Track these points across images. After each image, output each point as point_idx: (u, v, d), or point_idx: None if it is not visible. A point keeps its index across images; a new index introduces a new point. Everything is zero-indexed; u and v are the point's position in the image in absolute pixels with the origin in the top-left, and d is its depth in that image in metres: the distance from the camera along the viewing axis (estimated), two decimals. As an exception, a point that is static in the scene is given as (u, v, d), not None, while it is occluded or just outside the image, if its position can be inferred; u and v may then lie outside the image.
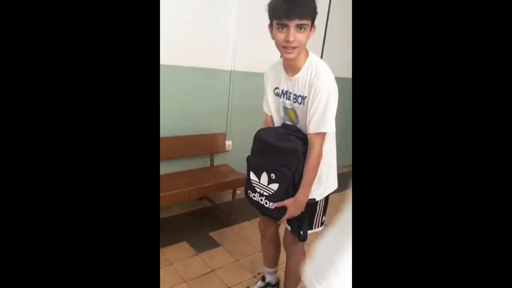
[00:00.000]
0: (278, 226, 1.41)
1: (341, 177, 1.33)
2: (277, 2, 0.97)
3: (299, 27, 0.97)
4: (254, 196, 1.23)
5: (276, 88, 1.18)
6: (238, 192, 2.62)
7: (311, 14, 0.98)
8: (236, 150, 2.64)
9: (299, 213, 1.18)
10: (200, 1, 2.12)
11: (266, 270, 1.56)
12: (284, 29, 0.98)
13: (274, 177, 1.14)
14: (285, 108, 1.18)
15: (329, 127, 1.07)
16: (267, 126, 1.29)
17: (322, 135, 1.09)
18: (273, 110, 1.24)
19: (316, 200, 1.23)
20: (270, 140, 1.16)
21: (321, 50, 2.82)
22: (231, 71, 2.42)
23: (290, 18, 0.95)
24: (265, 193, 1.18)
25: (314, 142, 1.09)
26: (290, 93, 1.12)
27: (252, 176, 1.22)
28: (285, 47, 1.00)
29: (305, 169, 1.11)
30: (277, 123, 1.26)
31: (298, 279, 1.37)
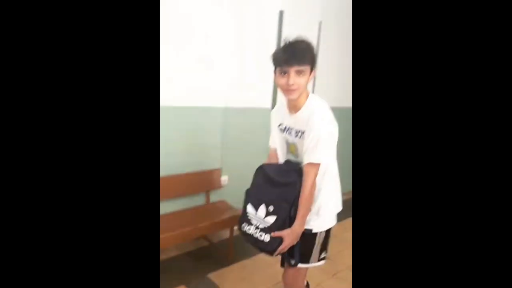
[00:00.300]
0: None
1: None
2: (278, 53, 1.14)
3: (298, 72, 1.11)
4: (249, 229, 1.26)
5: (280, 124, 1.30)
6: (236, 228, 2.55)
7: (309, 61, 1.12)
8: (233, 185, 2.61)
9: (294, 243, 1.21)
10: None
11: None
12: (285, 75, 1.12)
13: (272, 209, 1.20)
14: (287, 142, 1.30)
15: (321, 159, 1.16)
16: (270, 159, 1.38)
17: (316, 166, 1.17)
18: (278, 144, 1.35)
19: (314, 231, 1.26)
20: (272, 174, 1.25)
21: (312, 84, 2.89)
22: (225, 107, 2.44)
23: (290, 65, 1.10)
24: (260, 226, 1.22)
25: (308, 173, 1.17)
26: (292, 128, 1.24)
27: (249, 208, 1.27)
28: (286, 90, 1.14)
29: (300, 199, 1.18)
30: (281, 155, 1.35)
31: None
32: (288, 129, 1.26)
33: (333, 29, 3.12)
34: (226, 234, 2.21)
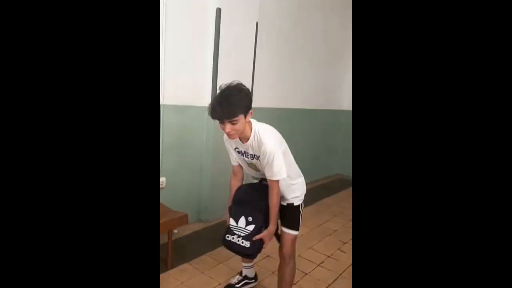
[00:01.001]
0: None
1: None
2: (213, 108, 1.30)
3: (231, 122, 1.31)
4: (232, 239, 1.53)
5: (236, 148, 1.55)
6: (175, 232, 2.45)
7: (242, 111, 1.31)
8: (171, 187, 2.50)
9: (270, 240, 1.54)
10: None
11: (244, 265, 1.90)
12: (223, 124, 1.32)
13: (251, 219, 1.53)
14: (246, 162, 1.57)
15: (279, 175, 1.43)
16: (236, 174, 1.68)
17: (277, 181, 1.46)
18: (240, 162, 1.62)
19: (295, 204, 1.60)
20: (249, 194, 1.60)
21: (251, 84, 2.91)
22: (161, 105, 2.33)
23: (222, 120, 1.31)
24: (242, 234, 1.52)
25: (272, 186, 1.47)
26: (247, 153, 1.50)
27: (232, 222, 1.56)
28: (227, 134, 1.36)
29: (269, 206, 1.49)
30: (246, 168, 1.63)
31: (291, 283, 1.70)
32: (244, 153, 1.51)
33: (272, 29, 3.19)
34: (164, 238, 2.11)
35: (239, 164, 1.64)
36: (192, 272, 2.06)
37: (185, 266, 2.12)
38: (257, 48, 2.89)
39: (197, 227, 2.71)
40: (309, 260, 2.32)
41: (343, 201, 3.75)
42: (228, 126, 1.31)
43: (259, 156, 1.43)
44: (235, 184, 1.68)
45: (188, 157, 2.65)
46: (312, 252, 2.44)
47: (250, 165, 1.56)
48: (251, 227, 1.51)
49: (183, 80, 2.46)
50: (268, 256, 2.29)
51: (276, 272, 1.73)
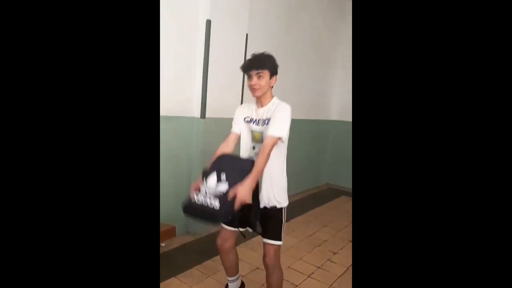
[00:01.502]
0: (234, 239, 1.66)
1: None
2: (244, 63, 1.50)
3: (258, 75, 1.45)
4: (197, 200, 1.35)
5: (247, 117, 1.58)
6: (162, 245, 2.40)
7: (267, 66, 1.46)
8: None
9: (247, 201, 1.32)
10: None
11: (229, 279, 1.78)
12: (250, 78, 1.46)
13: (223, 177, 1.37)
14: (252, 132, 1.57)
15: (280, 133, 1.42)
16: (228, 141, 1.61)
17: (274, 139, 1.41)
18: (244, 132, 1.59)
19: (278, 207, 1.53)
20: (229, 162, 1.46)
21: (241, 96, 2.92)
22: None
23: (250, 69, 1.45)
24: (210, 192, 1.34)
25: (266, 145, 1.40)
26: (259, 119, 1.52)
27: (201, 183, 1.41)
28: (252, 89, 1.48)
29: (256, 162, 1.38)
30: (246, 140, 1.59)
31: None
32: (255, 120, 1.53)
33: (261, 40, 3.22)
34: (151, 251, 2.06)
35: (238, 135, 1.60)
36: (179, 286, 2.01)
37: (172, 280, 2.07)
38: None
39: (185, 239, 2.66)
40: (299, 272, 2.30)
41: (333, 210, 3.76)
42: (255, 79, 1.44)
43: (269, 119, 1.47)
44: (222, 150, 1.58)
45: (176, 168, 2.62)
46: (302, 263, 2.43)
47: (256, 136, 1.54)
48: (223, 186, 1.33)
49: (172, 90, 2.45)
50: (257, 268, 2.26)
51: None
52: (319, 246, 2.76)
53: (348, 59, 4.60)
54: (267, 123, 1.47)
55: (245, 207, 1.33)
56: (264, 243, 1.56)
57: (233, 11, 2.70)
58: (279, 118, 1.43)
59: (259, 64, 1.44)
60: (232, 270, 1.74)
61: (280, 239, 1.55)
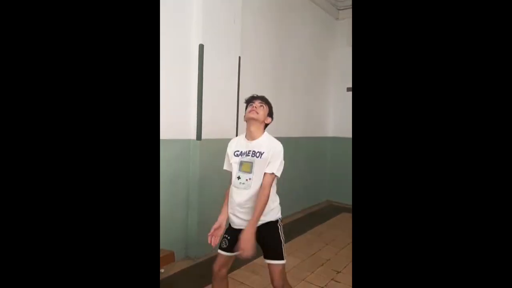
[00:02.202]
0: (228, 267, 1.69)
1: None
2: (249, 97, 1.70)
3: (260, 104, 1.63)
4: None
5: (236, 151, 1.65)
6: (162, 271, 2.34)
7: (269, 104, 1.68)
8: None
9: (250, 252, 1.45)
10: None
11: None
12: (251, 106, 1.62)
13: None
14: (241, 163, 1.63)
15: (279, 172, 1.57)
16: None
17: (273, 176, 1.55)
18: (234, 165, 1.65)
19: (273, 220, 1.62)
20: None
21: (236, 117, 2.95)
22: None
23: (255, 100, 1.65)
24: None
25: (267, 184, 1.54)
26: (249, 151, 1.60)
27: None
28: (251, 111, 1.59)
29: (257, 202, 1.51)
30: (235, 171, 1.65)
31: None
32: (245, 152, 1.62)
33: (254, 62, 3.29)
34: (150, 279, 2.01)
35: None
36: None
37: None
38: (241, 82, 2.96)
39: (184, 264, 2.60)
40: (303, 293, 2.24)
41: (334, 228, 3.71)
42: (256, 105, 1.61)
43: (262, 153, 1.57)
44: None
45: (174, 191, 2.61)
46: (305, 285, 2.37)
47: (245, 165, 1.62)
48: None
49: (168, 113, 2.47)
50: (260, 291, 2.20)
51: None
52: (322, 265, 2.71)
53: (339, 79, 4.69)
54: (260, 156, 1.56)
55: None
56: (268, 265, 1.57)
57: (224, 35, 2.77)
58: (276, 158, 1.56)
59: (263, 99, 1.67)
60: None
61: (282, 258, 1.56)
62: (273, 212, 1.62)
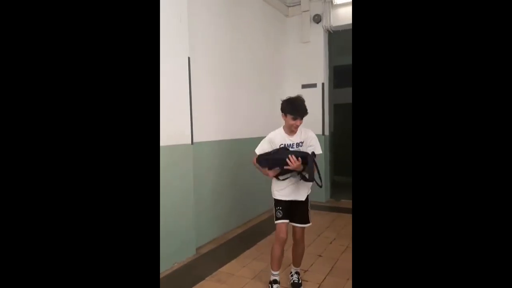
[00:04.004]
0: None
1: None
2: (291, 107, 2.04)
3: (301, 120, 2.07)
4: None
5: (282, 144, 2.12)
6: None
7: (307, 113, 2.07)
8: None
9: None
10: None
11: (276, 273, 2.26)
12: (295, 120, 2.05)
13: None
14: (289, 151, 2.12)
15: (321, 150, 2.19)
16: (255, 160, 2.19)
17: (319, 155, 2.12)
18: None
19: (304, 200, 2.20)
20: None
21: (190, 120, 2.80)
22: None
23: (301, 117, 2.06)
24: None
25: (317, 157, 2.10)
26: (293, 143, 2.13)
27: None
28: (295, 127, 2.08)
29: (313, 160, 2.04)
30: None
31: (302, 257, 2.36)
32: (290, 145, 2.12)
33: (204, 63, 3.17)
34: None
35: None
36: None
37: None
38: (193, 82, 2.83)
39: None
40: (272, 298, 2.16)
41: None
42: (299, 122, 2.05)
43: (302, 142, 2.11)
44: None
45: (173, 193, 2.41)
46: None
47: (285, 149, 2.10)
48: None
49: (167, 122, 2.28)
50: None
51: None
52: (289, 265, 2.66)
53: (293, 76, 4.71)
54: (300, 146, 2.11)
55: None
56: (296, 227, 2.18)
57: (170, 35, 2.62)
58: (315, 142, 2.13)
59: (305, 113, 2.05)
60: (281, 264, 2.25)
61: (308, 222, 2.19)
62: (306, 193, 2.18)
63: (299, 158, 1.95)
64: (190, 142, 2.80)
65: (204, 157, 3.11)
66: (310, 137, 2.13)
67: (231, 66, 3.61)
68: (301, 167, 1.99)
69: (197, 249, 2.97)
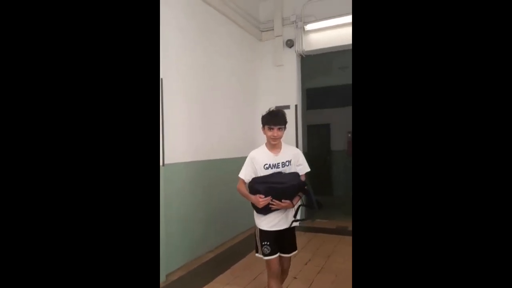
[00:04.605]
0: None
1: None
2: (267, 117, 1.93)
3: (279, 128, 1.90)
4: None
5: (266, 164, 1.93)
6: None
7: (285, 122, 1.95)
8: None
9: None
10: None
11: None
12: (272, 130, 1.90)
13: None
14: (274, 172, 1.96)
15: (309, 168, 2.06)
16: (242, 184, 2.02)
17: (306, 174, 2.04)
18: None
19: (293, 226, 2.02)
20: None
21: (161, 139, 2.75)
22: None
23: (276, 125, 1.90)
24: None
25: (304, 176, 2.03)
26: (279, 163, 1.94)
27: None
28: (273, 138, 1.90)
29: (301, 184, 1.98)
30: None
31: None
32: (275, 164, 1.93)
33: (178, 84, 3.16)
34: None
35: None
36: None
37: None
38: (167, 105, 2.80)
39: None
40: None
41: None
42: (276, 131, 1.88)
43: (290, 161, 1.94)
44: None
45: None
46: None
47: (278, 173, 1.93)
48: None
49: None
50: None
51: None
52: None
53: (268, 98, 4.80)
54: (289, 164, 1.94)
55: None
56: (283, 257, 1.99)
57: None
58: (303, 160, 2.02)
59: (281, 121, 1.91)
60: None
61: (296, 248, 2.05)
62: (292, 216, 1.98)
63: (288, 200, 1.85)
64: (161, 164, 2.74)
65: (175, 179, 3.04)
66: (298, 155, 1.99)
67: (205, 88, 3.63)
68: (296, 202, 1.90)
69: (167, 275, 2.84)
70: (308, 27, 4.56)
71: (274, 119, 1.89)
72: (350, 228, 4.38)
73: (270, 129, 1.88)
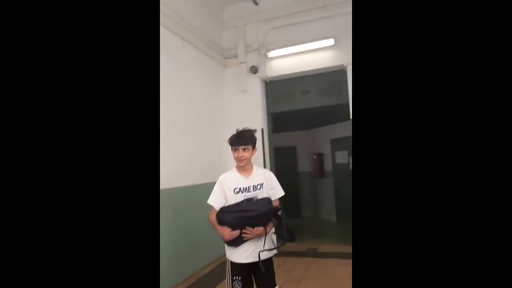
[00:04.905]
0: None
1: None
2: (232, 137, 1.83)
3: (243, 149, 1.79)
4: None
5: (236, 188, 1.81)
6: None
7: (252, 143, 1.82)
8: None
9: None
10: None
11: None
12: (236, 151, 1.80)
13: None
14: (245, 198, 1.82)
15: (283, 192, 1.95)
16: (213, 213, 1.84)
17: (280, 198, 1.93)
18: (231, 200, 1.83)
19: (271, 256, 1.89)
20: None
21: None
22: None
23: (238, 145, 1.79)
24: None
25: (277, 204, 1.89)
26: (250, 186, 1.82)
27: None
28: (239, 160, 1.81)
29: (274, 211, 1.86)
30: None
31: None
32: (246, 188, 1.81)
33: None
34: None
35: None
36: None
37: None
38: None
39: None
40: None
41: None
42: (241, 152, 1.77)
43: (262, 184, 1.83)
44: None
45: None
46: None
47: (248, 200, 1.80)
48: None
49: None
50: None
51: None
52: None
53: (234, 124, 4.84)
54: (260, 187, 1.83)
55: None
56: None
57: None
58: (276, 183, 1.91)
59: (245, 141, 1.79)
60: None
61: (275, 284, 1.88)
62: (271, 252, 1.85)
63: (263, 227, 1.72)
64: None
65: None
66: (270, 178, 1.87)
67: (169, 114, 3.59)
68: (270, 230, 1.78)
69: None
70: (271, 54, 4.73)
71: (237, 139, 1.79)
72: (320, 250, 4.41)
73: (235, 150, 1.79)
